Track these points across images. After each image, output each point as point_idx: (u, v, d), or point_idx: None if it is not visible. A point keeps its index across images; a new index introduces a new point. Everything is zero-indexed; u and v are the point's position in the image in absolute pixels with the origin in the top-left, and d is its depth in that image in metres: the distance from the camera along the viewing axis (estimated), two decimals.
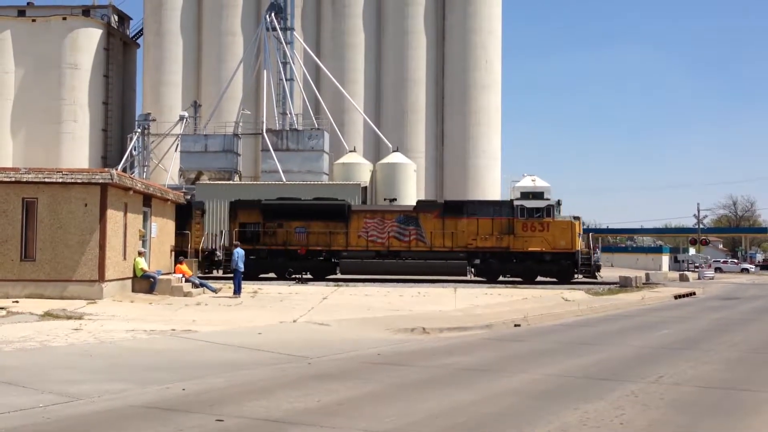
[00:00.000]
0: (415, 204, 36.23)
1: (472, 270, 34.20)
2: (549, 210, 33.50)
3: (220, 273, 34.20)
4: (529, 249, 33.34)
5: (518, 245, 33.36)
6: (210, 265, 34.26)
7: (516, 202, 34.24)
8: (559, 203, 34.36)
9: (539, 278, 33.75)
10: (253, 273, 32.47)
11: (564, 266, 33.66)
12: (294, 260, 34.17)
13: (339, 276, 34.29)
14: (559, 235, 33.21)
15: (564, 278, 33.54)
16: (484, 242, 33.50)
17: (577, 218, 34.70)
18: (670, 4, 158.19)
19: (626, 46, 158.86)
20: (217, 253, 34.32)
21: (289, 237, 34.03)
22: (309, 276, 34.01)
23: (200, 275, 29.38)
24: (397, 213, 34.43)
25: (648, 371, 10.82)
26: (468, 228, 33.45)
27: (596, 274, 34.57)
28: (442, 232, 33.57)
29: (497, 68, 63.52)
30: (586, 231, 39.13)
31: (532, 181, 57.21)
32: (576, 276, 34.43)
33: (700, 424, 7.80)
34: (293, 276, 33.80)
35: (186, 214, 31.82)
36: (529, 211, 33.40)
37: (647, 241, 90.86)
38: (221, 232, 35.60)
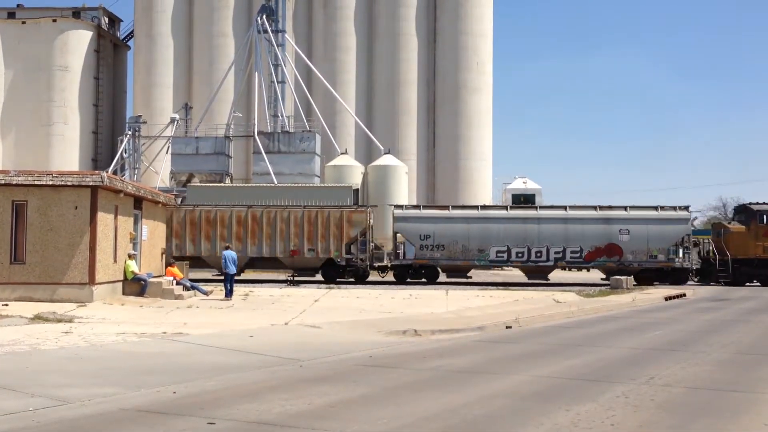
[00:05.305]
0: None
1: None
2: None
3: None
4: None
5: None
6: None
7: None
8: None
9: None
10: None
11: None
12: None
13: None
14: None
15: None
16: None
17: None
18: (663, 8, 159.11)
19: (618, 49, 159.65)
20: None
21: None
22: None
23: None
24: None
25: (639, 372, 10.86)
26: None
27: None
28: None
29: (488, 70, 63.60)
30: None
31: (524, 183, 57.34)
32: None
33: (691, 424, 7.83)
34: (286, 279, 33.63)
35: None
36: None
37: None
38: None
